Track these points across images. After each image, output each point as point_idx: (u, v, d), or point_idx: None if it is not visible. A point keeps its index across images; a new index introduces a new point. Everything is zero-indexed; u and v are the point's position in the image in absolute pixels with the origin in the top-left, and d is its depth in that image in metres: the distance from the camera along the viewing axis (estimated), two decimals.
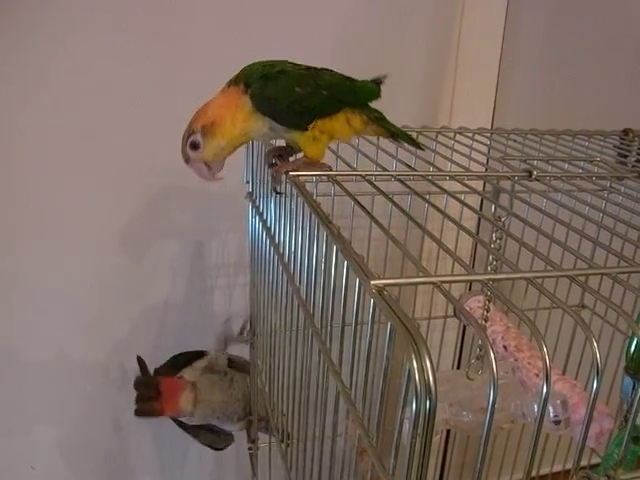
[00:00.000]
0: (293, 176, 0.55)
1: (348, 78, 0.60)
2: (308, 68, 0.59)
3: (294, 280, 0.57)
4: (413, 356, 0.30)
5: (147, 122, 0.91)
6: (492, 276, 0.38)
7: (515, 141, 0.82)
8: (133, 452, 1.11)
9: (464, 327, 0.96)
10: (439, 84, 1.03)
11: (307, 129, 0.57)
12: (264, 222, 0.70)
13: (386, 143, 0.76)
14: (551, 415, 0.62)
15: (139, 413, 0.83)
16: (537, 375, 0.77)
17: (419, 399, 0.30)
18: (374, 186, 0.54)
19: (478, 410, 0.66)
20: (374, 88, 0.61)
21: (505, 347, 0.84)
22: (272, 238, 0.66)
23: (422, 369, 0.30)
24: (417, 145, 0.66)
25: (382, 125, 0.62)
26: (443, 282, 0.36)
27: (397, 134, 0.63)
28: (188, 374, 0.89)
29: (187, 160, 0.58)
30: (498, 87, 1.03)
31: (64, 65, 0.87)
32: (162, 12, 0.89)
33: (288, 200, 0.59)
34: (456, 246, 0.82)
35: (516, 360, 0.78)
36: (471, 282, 0.69)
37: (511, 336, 0.84)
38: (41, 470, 1.06)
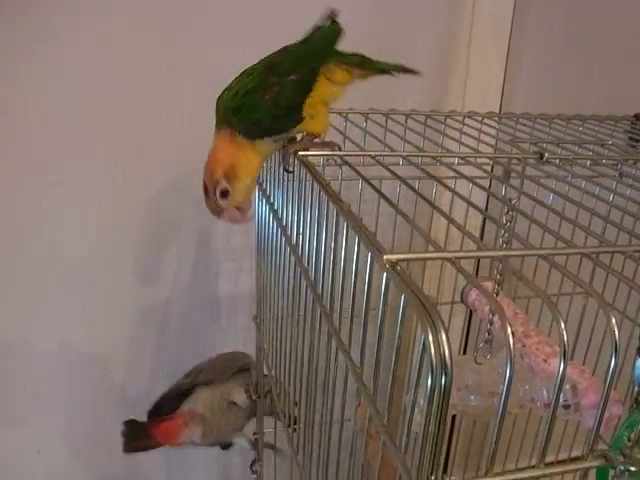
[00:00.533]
0: (302, 156, 0.55)
1: (304, 41, 0.58)
2: (269, 63, 0.57)
3: (302, 261, 0.57)
4: (429, 329, 0.30)
5: (150, 111, 0.91)
6: (506, 252, 0.37)
7: (525, 125, 0.81)
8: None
9: (470, 313, 0.95)
10: (447, 69, 1.02)
11: (302, 117, 0.56)
12: (271, 205, 0.69)
13: (394, 125, 0.75)
14: (560, 399, 0.62)
15: (128, 450, 0.80)
16: (545, 361, 0.76)
17: (435, 374, 0.30)
18: (383, 165, 0.53)
19: (486, 395, 0.66)
20: (330, 30, 0.59)
21: (513, 333, 0.83)
22: (279, 220, 0.65)
23: (438, 343, 0.29)
24: (411, 71, 0.63)
25: (366, 67, 0.60)
26: (457, 258, 0.35)
27: (385, 69, 0.61)
28: (196, 405, 0.85)
29: (220, 212, 0.58)
30: (506, 73, 1.02)
31: (67, 55, 0.86)
32: (167, 3, 0.88)
33: (296, 181, 0.58)
34: (463, 237, 0.81)
35: (524, 346, 0.78)
36: (481, 258, 0.67)
37: (519, 322, 0.84)
38: (46, 454, 1.06)
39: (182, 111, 0.90)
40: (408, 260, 0.34)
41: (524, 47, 1.04)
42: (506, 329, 0.31)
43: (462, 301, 0.91)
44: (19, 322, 0.97)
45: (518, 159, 0.61)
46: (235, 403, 0.88)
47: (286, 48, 0.58)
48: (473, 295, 0.90)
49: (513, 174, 0.64)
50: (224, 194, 0.56)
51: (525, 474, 0.33)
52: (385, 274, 0.35)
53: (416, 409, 0.44)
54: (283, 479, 0.91)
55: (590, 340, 0.89)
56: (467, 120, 0.80)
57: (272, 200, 0.69)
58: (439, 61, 1.01)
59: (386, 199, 0.44)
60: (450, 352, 0.30)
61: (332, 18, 0.59)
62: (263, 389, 0.88)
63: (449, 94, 1.02)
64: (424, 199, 0.45)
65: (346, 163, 0.54)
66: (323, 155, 0.56)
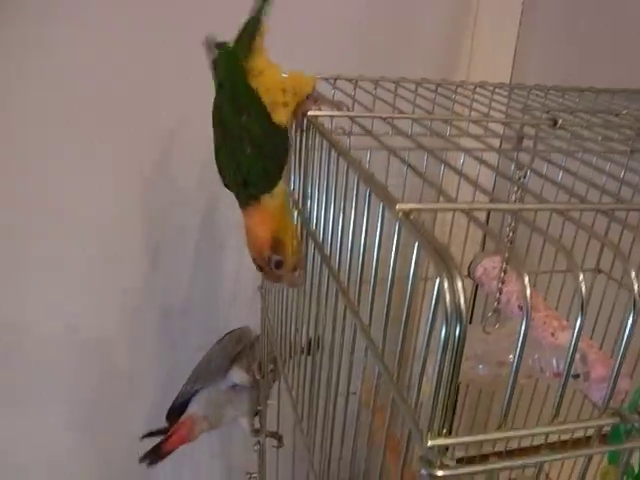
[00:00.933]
0: (311, 116, 0.54)
1: (219, 87, 0.57)
2: (221, 134, 0.57)
3: (310, 224, 0.56)
4: (444, 276, 0.28)
5: (150, 109, 0.89)
6: (522, 206, 0.36)
7: (537, 95, 0.79)
8: (142, 420, 1.11)
9: (476, 287, 0.95)
10: (457, 41, 1.00)
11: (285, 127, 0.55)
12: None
13: (404, 92, 0.73)
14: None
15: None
16: (552, 334, 0.76)
17: (449, 322, 0.29)
18: (393, 126, 0.52)
19: (494, 364, 0.65)
20: (225, 56, 0.57)
21: (520, 307, 0.82)
22: (292, 194, 0.64)
23: (453, 290, 0.28)
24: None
25: (255, 32, 0.57)
26: (471, 209, 0.34)
27: (259, 16, 0.58)
28: (198, 408, 0.89)
29: (280, 280, 0.61)
30: (518, 44, 1.00)
31: (67, 53, 0.85)
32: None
33: (303, 144, 0.58)
34: (475, 193, 0.80)
35: (532, 319, 0.77)
36: (493, 211, 0.66)
37: None
38: (49, 439, 1.05)
39: (182, 109, 0.88)
40: (421, 210, 0.33)
41: (535, 20, 1.02)
42: (523, 278, 0.30)
43: (469, 275, 0.90)
44: (22, 307, 0.96)
45: (531, 125, 0.59)
46: (237, 385, 0.90)
47: (215, 110, 0.57)
48: (480, 270, 0.89)
49: (525, 142, 0.63)
50: (278, 265, 0.58)
51: (539, 429, 0.33)
52: (397, 224, 0.34)
53: (424, 379, 0.43)
54: (286, 454, 0.92)
55: (598, 315, 0.88)
56: (478, 89, 0.78)
57: None
58: (448, 33, 1.00)
59: (395, 155, 0.43)
60: (466, 301, 0.29)
61: (216, 45, 0.57)
62: (267, 367, 0.87)
63: (458, 67, 1.01)
64: (434, 156, 0.44)
65: (355, 122, 0.52)
66: (333, 116, 0.55)
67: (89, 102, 0.87)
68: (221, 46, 0.57)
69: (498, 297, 0.73)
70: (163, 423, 0.96)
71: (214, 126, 0.57)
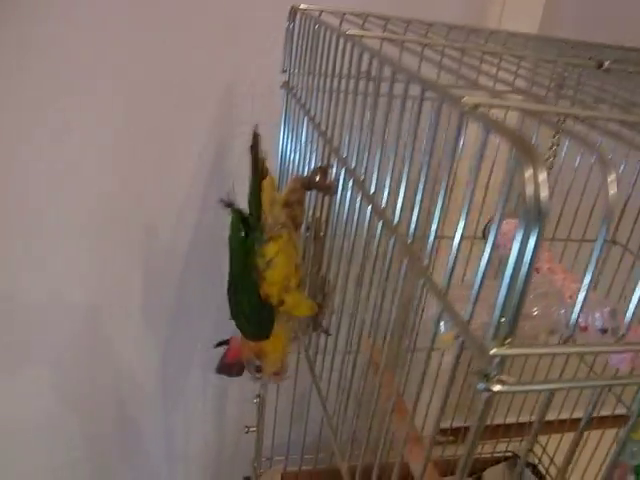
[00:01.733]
0: (348, 35, 0.51)
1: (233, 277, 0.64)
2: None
3: (345, 160, 0.53)
4: (528, 164, 0.25)
5: (157, 98, 0.87)
6: (583, 112, 0.33)
7: (573, 47, 0.76)
8: (132, 388, 1.10)
9: None
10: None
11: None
12: (306, 110, 0.65)
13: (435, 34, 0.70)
14: (597, 323, 0.59)
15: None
16: (571, 297, 0.74)
17: (529, 217, 0.26)
18: (421, 44, 0.49)
19: None
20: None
21: (537, 270, 0.81)
22: (318, 126, 0.61)
23: (536, 182, 0.25)
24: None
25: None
26: (539, 111, 0.31)
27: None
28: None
29: (259, 380, 0.72)
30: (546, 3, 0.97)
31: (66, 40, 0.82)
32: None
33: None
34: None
35: (551, 282, 0.75)
36: (553, 113, 0.63)
37: (544, 259, 0.81)
38: (34, 405, 1.04)
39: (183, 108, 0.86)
40: (488, 106, 0.30)
41: None
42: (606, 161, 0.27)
43: (484, 237, 0.88)
44: (8, 271, 0.93)
45: (574, 64, 0.56)
46: None
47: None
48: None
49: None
50: (258, 370, 0.68)
51: (604, 347, 0.30)
52: (462, 119, 0.31)
53: (441, 326, 0.41)
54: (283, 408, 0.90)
55: (610, 288, 0.87)
56: (511, 38, 0.75)
57: (308, 107, 0.65)
58: None
59: (419, 78, 0.39)
60: (548, 197, 0.26)
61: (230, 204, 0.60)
62: None
63: (488, 15, 0.97)
64: (467, 81, 0.41)
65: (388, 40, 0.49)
66: (365, 36, 0.52)
67: (88, 102, 0.85)
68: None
69: None
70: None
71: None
